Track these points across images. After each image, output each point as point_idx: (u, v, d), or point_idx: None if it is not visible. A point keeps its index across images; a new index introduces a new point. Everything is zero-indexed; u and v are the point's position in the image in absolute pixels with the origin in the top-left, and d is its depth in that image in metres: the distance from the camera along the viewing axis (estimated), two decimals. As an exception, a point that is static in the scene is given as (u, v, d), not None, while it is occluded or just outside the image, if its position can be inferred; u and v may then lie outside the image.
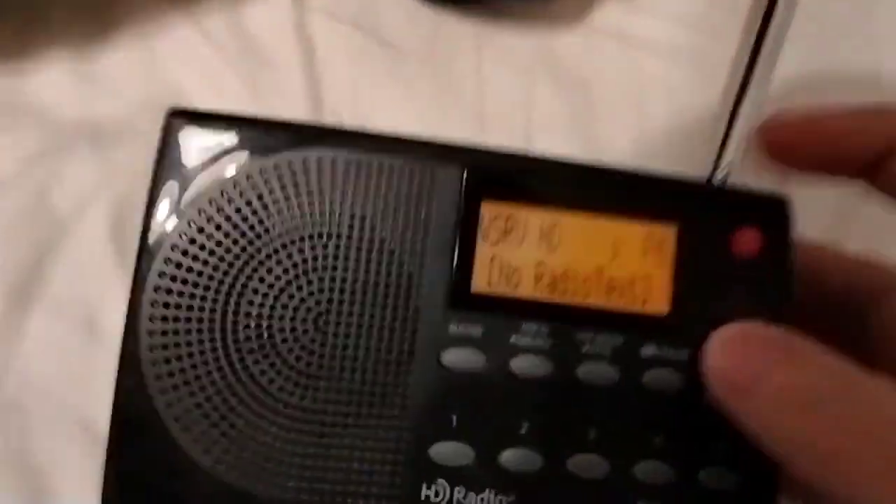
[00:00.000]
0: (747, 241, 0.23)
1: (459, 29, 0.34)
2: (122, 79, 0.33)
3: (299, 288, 0.22)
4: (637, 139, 0.34)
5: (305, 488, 0.21)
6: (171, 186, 0.22)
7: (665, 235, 0.23)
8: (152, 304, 0.21)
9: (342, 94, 0.33)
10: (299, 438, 0.21)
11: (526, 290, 0.23)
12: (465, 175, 0.22)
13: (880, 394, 0.19)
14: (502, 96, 0.34)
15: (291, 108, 0.32)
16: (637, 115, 0.34)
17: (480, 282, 0.22)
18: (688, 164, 0.25)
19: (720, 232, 0.23)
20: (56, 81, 0.32)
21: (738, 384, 0.20)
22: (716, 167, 0.26)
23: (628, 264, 0.23)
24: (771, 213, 0.24)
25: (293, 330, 0.21)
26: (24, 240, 0.30)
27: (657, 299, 0.23)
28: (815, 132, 0.23)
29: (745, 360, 0.20)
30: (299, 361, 0.21)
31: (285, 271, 0.22)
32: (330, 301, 0.22)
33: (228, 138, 0.22)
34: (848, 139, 0.23)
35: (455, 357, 0.22)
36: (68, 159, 0.32)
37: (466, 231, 0.22)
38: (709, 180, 0.26)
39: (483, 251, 0.22)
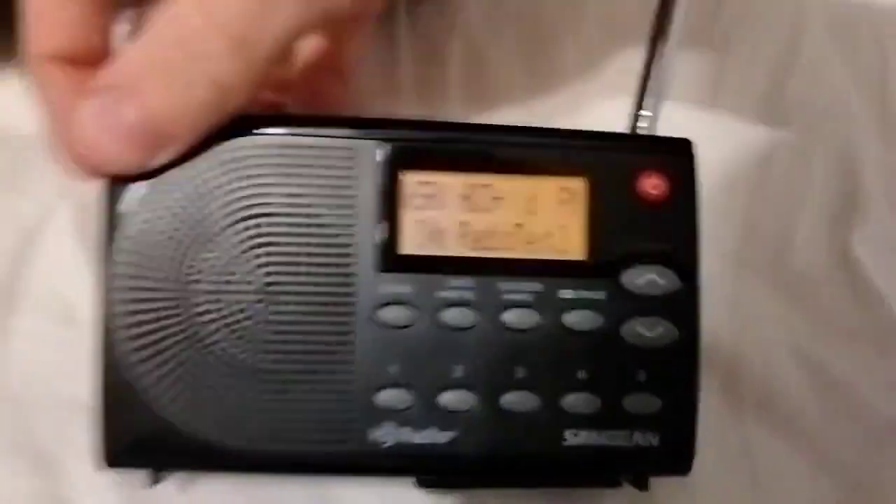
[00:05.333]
0: (652, 185, 0.27)
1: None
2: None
3: (246, 262, 0.26)
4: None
5: (271, 437, 0.26)
6: (119, 186, 0.26)
7: (576, 187, 0.27)
8: (120, 292, 0.26)
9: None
10: (262, 396, 0.26)
11: (452, 248, 0.27)
12: (382, 150, 0.26)
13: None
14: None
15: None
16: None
17: (408, 245, 0.26)
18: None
19: (626, 178, 0.27)
20: (9, 100, 0.37)
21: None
22: (636, 118, 0.30)
23: (545, 217, 0.27)
24: (674, 156, 0.27)
25: (245, 301, 0.26)
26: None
27: (573, 247, 0.27)
28: None
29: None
30: (256, 327, 0.26)
31: (232, 247, 0.26)
32: (276, 273, 0.26)
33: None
34: None
35: (390, 314, 0.26)
36: (30, 172, 0.36)
37: (389, 201, 0.26)
38: (632, 129, 0.30)
39: (408, 217, 0.26)
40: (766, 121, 0.39)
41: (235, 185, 0.26)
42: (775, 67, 0.41)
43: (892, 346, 0.35)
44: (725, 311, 0.35)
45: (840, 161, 0.39)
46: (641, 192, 0.27)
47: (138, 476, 0.28)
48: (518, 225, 0.27)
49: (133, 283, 0.26)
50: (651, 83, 0.30)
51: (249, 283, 0.26)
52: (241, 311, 0.26)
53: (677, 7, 0.30)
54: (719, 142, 0.38)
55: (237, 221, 0.26)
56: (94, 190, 0.26)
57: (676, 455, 0.27)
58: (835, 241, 0.38)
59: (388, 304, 0.26)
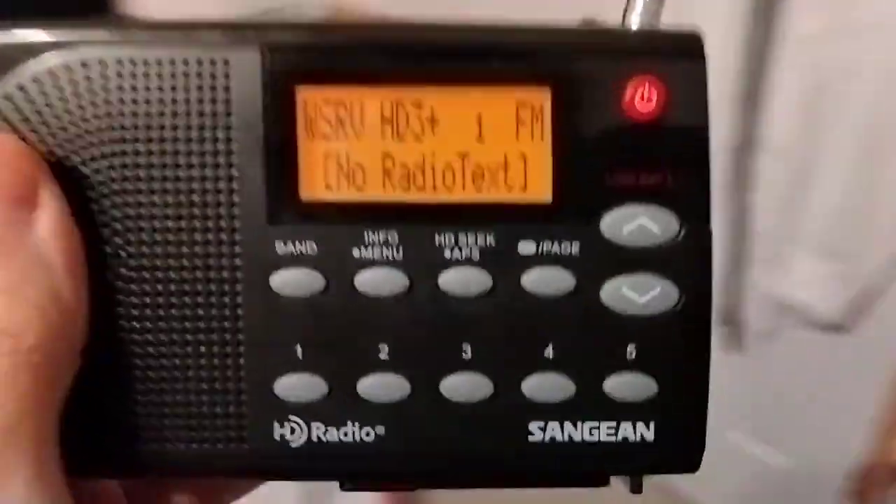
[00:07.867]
0: (644, 96, 0.20)
1: None
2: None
3: (97, 213, 0.20)
4: None
5: (169, 437, 0.21)
6: None
7: (540, 102, 0.20)
8: None
9: None
10: (159, 386, 0.20)
11: (374, 190, 0.20)
12: (264, 58, 0.19)
13: None
14: None
15: None
16: None
17: (313, 187, 0.20)
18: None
19: (608, 89, 0.20)
20: None
21: None
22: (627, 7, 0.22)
23: (498, 144, 0.20)
24: (674, 56, 0.20)
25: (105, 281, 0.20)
26: None
27: (537, 184, 0.20)
28: None
29: None
30: (131, 307, 0.20)
31: (76, 196, 0.20)
32: (132, 230, 0.20)
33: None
34: None
35: (286, 280, 0.20)
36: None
37: (279, 127, 0.20)
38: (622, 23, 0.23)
39: (310, 148, 0.20)
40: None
41: (77, 111, 0.20)
42: None
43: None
44: None
45: None
46: (629, 107, 0.20)
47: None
48: (461, 155, 0.20)
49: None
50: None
51: (104, 241, 0.20)
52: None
53: None
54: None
55: (83, 161, 0.20)
56: None
57: (678, 450, 0.21)
58: None
59: (284, 266, 0.20)
